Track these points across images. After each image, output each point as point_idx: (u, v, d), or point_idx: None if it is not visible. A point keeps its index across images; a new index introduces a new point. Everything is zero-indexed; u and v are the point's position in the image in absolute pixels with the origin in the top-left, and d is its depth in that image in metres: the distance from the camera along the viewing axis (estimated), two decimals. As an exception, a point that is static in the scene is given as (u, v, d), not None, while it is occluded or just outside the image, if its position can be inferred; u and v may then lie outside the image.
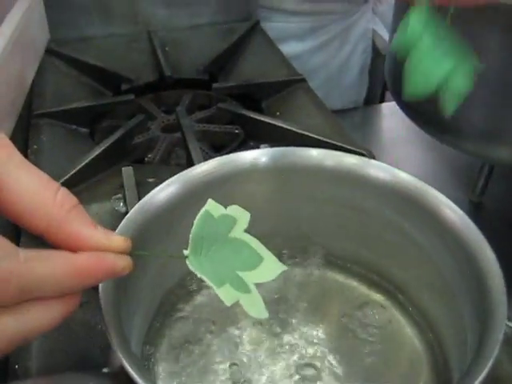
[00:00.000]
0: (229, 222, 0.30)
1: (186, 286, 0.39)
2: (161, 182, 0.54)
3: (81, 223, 0.25)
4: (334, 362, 0.36)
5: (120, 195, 0.52)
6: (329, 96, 0.91)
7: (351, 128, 0.75)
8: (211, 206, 0.30)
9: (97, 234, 0.25)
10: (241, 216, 0.30)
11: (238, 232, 0.30)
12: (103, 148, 0.56)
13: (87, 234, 0.25)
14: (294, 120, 0.62)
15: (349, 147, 0.55)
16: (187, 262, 0.28)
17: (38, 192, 0.24)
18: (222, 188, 0.36)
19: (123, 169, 0.53)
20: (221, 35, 0.80)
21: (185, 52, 0.78)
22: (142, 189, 0.53)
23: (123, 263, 0.26)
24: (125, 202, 0.50)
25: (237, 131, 0.64)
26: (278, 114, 0.64)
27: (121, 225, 0.32)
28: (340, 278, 0.40)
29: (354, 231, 0.39)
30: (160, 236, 0.34)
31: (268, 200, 0.39)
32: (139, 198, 0.50)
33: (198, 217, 0.30)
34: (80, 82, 0.72)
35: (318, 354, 0.36)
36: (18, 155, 0.25)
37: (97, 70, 0.72)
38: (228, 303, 0.28)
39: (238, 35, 0.78)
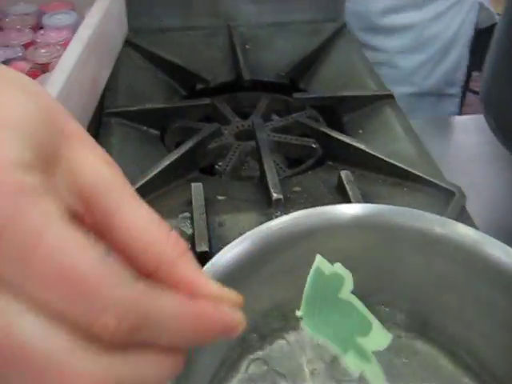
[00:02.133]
0: (338, 281, 0.27)
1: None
2: (231, 201, 0.52)
3: (193, 269, 0.22)
4: None
5: (187, 214, 0.49)
6: (434, 71, 0.86)
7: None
8: (321, 263, 0.27)
9: (211, 283, 0.22)
10: (346, 275, 0.27)
11: (346, 293, 0.27)
12: (174, 158, 0.53)
13: (202, 281, 0.21)
14: (377, 141, 0.57)
15: (436, 182, 0.50)
16: (302, 324, 0.26)
17: (151, 229, 0.21)
18: (300, 245, 0.33)
19: (193, 185, 0.50)
20: (306, 35, 0.76)
21: (266, 51, 0.74)
22: (211, 208, 0.50)
23: (238, 318, 0.22)
24: (192, 223, 0.47)
25: (314, 146, 0.60)
26: (360, 131, 0.60)
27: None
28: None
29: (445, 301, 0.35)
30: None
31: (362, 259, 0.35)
32: (207, 220, 0.48)
33: (310, 274, 0.27)
34: (155, 77, 0.70)
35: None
36: (131, 187, 0.22)
37: (172, 66, 0.69)
38: (356, 372, 0.25)
39: (324, 37, 0.73)
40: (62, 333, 0.18)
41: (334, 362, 0.35)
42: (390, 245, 0.34)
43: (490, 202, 0.73)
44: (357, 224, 0.33)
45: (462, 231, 0.33)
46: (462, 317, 0.35)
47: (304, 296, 0.26)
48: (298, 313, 0.26)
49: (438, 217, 0.33)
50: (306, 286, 0.26)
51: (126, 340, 0.19)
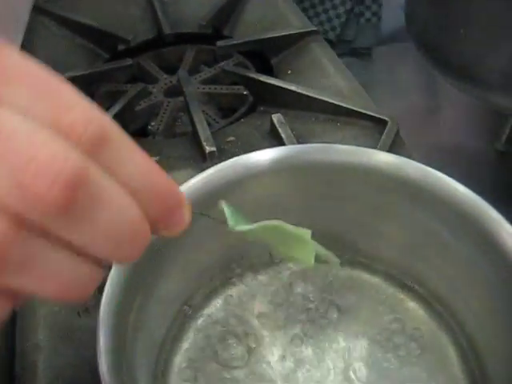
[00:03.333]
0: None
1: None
2: (165, 161, 0.51)
3: None
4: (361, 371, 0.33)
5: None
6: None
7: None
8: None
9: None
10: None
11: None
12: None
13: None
14: (307, 79, 0.57)
15: (370, 113, 0.50)
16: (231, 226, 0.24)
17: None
18: (231, 194, 0.32)
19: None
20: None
21: (185, 1, 0.71)
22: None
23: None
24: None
25: (244, 93, 0.59)
26: (289, 72, 0.59)
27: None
28: (373, 280, 0.36)
29: (386, 233, 0.35)
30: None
31: (289, 200, 0.34)
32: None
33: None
34: (73, 44, 0.67)
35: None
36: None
37: (90, 30, 0.66)
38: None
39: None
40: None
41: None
42: (314, 182, 0.33)
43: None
44: (278, 167, 0.33)
45: (381, 157, 0.33)
46: (400, 243, 0.35)
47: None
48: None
49: (353, 148, 0.33)
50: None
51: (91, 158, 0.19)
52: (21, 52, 0.20)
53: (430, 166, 0.48)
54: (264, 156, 0.33)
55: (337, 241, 0.36)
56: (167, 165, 0.49)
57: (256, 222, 0.25)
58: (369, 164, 0.32)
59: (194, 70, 0.64)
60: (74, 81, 0.58)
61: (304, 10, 0.81)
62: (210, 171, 0.32)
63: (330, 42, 0.80)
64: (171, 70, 0.65)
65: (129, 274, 0.30)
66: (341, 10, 0.80)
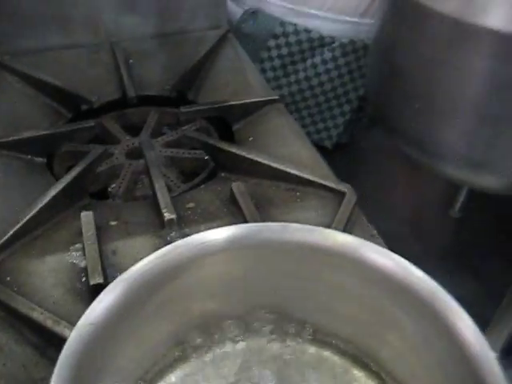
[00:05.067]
0: None
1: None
2: (124, 226, 0.51)
3: None
4: None
5: (79, 245, 0.47)
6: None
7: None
8: None
9: None
10: None
11: None
12: (61, 188, 0.51)
13: None
14: (267, 147, 0.58)
15: (328, 184, 0.51)
16: None
17: None
18: (186, 272, 0.32)
19: (82, 214, 0.49)
20: (190, 45, 0.75)
21: (151, 64, 0.72)
22: (104, 235, 0.48)
23: None
24: (84, 255, 0.46)
25: (206, 158, 0.60)
26: (250, 138, 0.60)
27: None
28: (325, 354, 0.36)
29: (342, 311, 0.35)
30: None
31: (245, 278, 0.34)
32: (100, 249, 0.46)
33: None
34: (37, 102, 0.67)
35: None
36: None
37: (54, 89, 0.66)
38: None
39: (209, 46, 0.73)
40: None
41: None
42: (270, 261, 0.34)
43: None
44: (232, 246, 0.33)
45: (338, 238, 0.33)
46: (356, 321, 0.35)
47: None
48: None
49: (309, 227, 0.34)
50: None
51: None
52: None
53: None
54: (220, 235, 0.33)
55: (291, 318, 0.37)
56: (126, 231, 0.49)
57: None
58: (325, 244, 0.32)
59: (156, 133, 0.65)
60: (36, 140, 0.58)
61: (301, 119, 0.83)
62: (164, 250, 0.32)
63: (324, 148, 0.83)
64: (134, 130, 0.65)
65: (82, 348, 0.29)
66: (339, 120, 0.82)
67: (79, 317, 0.30)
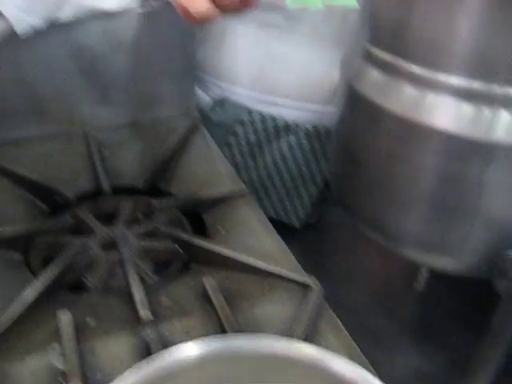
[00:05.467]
0: None
1: None
2: (101, 323, 0.53)
3: None
4: None
5: (57, 344, 0.49)
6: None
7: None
8: None
9: None
10: None
11: None
12: (40, 290, 0.53)
13: None
14: (236, 238, 0.61)
15: (294, 278, 0.54)
16: None
17: None
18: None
19: (60, 314, 0.51)
20: (161, 134, 0.79)
21: (124, 154, 0.76)
22: (82, 335, 0.50)
23: None
24: (63, 356, 0.47)
25: (179, 249, 0.63)
26: (220, 229, 0.63)
27: None
28: None
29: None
30: None
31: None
32: (79, 350, 0.48)
33: None
34: (12, 194, 0.69)
35: None
36: None
37: (30, 183, 0.69)
38: None
39: (179, 136, 0.76)
40: None
41: None
42: (239, 372, 0.36)
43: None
44: (204, 361, 0.35)
45: (304, 350, 0.36)
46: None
47: None
48: None
49: (277, 339, 0.36)
50: None
51: None
52: None
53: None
54: (191, 349, 0.36)
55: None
56: (103, 329, 0.51)
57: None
58: (290, 355, 0.35)
59: (131, 220, 0.67)
60: (14, 238, 0.60)
61: (270, 200, 0.87)
62: (137, 369, 0.35)
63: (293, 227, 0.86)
64: (109, 218, 0.68)
65: None
66: (307, 201, 0.87)
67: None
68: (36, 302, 0.53)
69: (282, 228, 0.89)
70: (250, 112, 0.83)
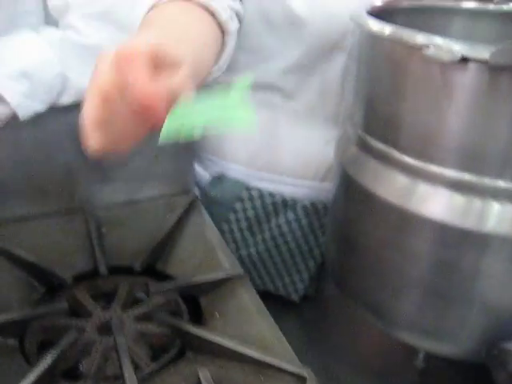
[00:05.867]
0: None
1: None
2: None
3: None
4: None
5: None
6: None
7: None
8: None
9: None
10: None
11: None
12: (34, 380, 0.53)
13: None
14: (232, 325, 0.61)
15: (290, 369, 0.54)
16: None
17: None
18: None
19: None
20: (159, 212, 0.80)
21: (122, 233, 0.76)
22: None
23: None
24: None
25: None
26: (216, 314, 0.63)
27: None
28: None
29: None
30: None
31: None
32: None
33: None
34: (10, 275, 0.69)
35: None
36: None
37: (28, 264, 0.69)
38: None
39: (177, 214, 0.77)
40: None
41: None
42: None
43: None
44: None
45: None
46: None
47: None
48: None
49: None
50: None
51: None
52: None
53: None
54: None
55: None
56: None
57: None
58: None
59: (127, 303, 0.67)
60: (8, 323, 0.60)
61: (269, 275, 0.87)
62: None
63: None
64: (106, 298, 0.68)
65: None
66: (305, 275, 0.87)
67: None
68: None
69: (281, 302, 0.90)
70: (248, 188, 0.84)
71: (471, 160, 0.53)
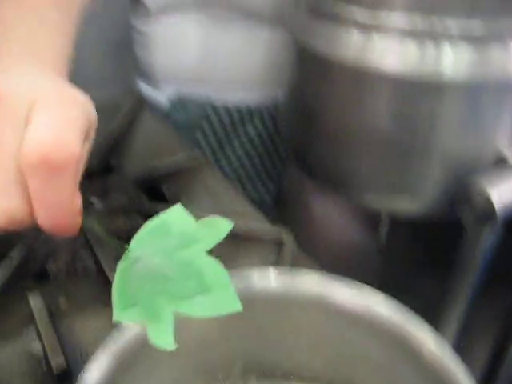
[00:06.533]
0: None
1: None
2: (73, 301, 0.51)
3: None
4: None
5: (32, 328, 0.47)
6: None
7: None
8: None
9: None
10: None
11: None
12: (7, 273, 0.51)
13: None
14: (203, 205, 0.60)
15: (267, 235, 0.54)
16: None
17: None
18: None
19: (30, 298, 0.49)
20: (107, 113, 0.77)
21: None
22: (56, 315, 0.48)
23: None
24: (40, 340, 0.46)
25: (140, 223, 0.61)
26: (184, 198, 0.62)
27: None
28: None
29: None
30: None
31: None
32: (56, 332, 0.46)
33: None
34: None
35: None
36: None
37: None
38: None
39: (124, 115, 0.75)
40: None
41: None
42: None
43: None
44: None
45: (305, 279, 0.36)
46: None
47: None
48: None
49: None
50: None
51: None
52: None
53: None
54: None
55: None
56: (77, 306, 0.49)
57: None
58: (293, 286, 0.36)
59: (86, 203, 0.65)
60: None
61: (239, 180, 0.87)
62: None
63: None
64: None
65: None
66: (275, 177, 0.88)
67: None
68: (2, 291, 0.51)
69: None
70: (214, 107, 0.82)
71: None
